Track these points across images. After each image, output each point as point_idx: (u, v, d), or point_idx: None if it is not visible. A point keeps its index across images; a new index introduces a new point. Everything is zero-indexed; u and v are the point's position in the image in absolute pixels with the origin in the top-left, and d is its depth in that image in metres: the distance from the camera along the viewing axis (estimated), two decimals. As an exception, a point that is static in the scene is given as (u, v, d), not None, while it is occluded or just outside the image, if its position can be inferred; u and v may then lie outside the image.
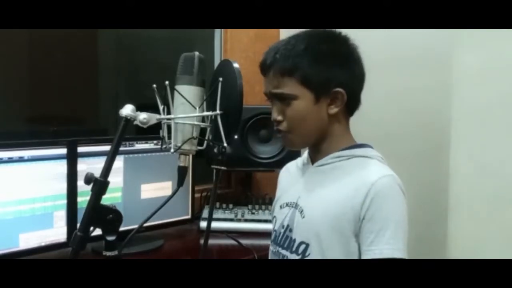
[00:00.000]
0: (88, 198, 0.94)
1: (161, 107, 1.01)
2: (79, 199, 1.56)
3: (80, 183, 1.55)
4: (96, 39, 2.12)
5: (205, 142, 1.04)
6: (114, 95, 2.25)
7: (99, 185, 0.94)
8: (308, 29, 1.20)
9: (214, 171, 1.05)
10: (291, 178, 1.30)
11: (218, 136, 1.02)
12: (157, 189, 1.76)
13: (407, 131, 1.62)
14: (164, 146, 1.02)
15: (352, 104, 1.19)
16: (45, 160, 1.50)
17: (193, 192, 1.89)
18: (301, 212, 1.18)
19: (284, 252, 1.20)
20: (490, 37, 1.32)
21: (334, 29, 1.21)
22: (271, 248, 1.28)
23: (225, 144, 1.01)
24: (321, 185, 1.18)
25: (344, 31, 1.20)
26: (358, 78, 1.20)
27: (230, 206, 1.97)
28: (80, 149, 1.57)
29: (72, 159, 1.55)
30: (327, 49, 1.16)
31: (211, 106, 1.04)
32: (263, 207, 1.95)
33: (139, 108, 1.00)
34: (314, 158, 1.23)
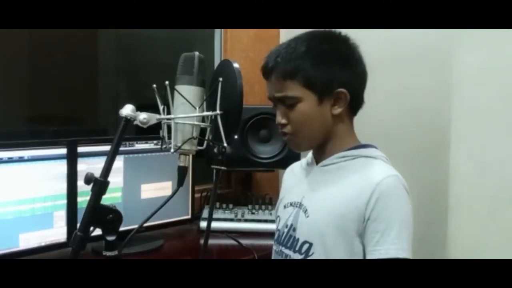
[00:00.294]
0: (88, 198, 0.94)
1: (161, 107, 1.01)
2: (79, 199, 1.56)
3: (80, 183, 1.55)
4: (96, 39, 2.12)
5: (205, 142, 1.04)
6: (114, 95, 2.25)
7: (99, 185, 0.94)
8: (308, 31, 1.20)
9: (214, 171, 1.05)
10: (295, 178, 1.30)
11: (218, 136, 1.02)
12: (157, 189, 1.76)
13: (407, 131, 1.62)
14: (164, 146, 1.02)
15: (355, 104, 1.19)
16: (45, 160, 1.50)
17: (193, 192, 1.89)
18: (305, 211, 1.18)
19: (287, 251, 1.21)
20: (490, 37, 1.32)
21: (334, 29, 1.21)
22: (274, 247, 1.29)
23: (225, 144, 1.01)
24: (325, 185, 1.18)
25: (344, 31, 1.20)
26: (360, 77, 1.20)
27: (230, 206, 1.97)
28: (80, 149, 1.57)
29: (72, 159, 1.55)
30: (328, 49, 1.16)
31: (211, 106, 1.04)
32: (263, 207, 1.96)
33: (139, 108, 1.00)
34: (318, 158, 1.23)
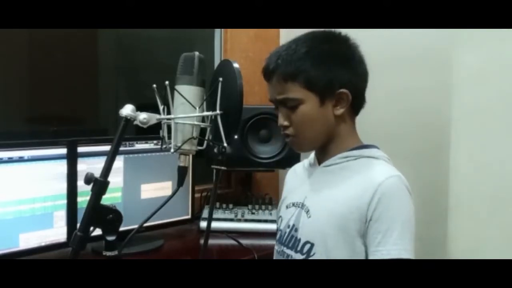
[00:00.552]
0: (88, 198, 0.94)
1: (161, 107, 1.01)
2: (79, 199, 1.56)
3: (80, 183, 1.55)
4: (96, 39, 2.12)
5: (205, 142, 1.04)
6: (114, 95, 2.25)
7: (99, 185, 0.94)
8: (308, 31, 1.20)
9: (214, 171, 1.05)
10: (298, 179, 1.30)
11: (218, 136, 1.02)
12: (157, 189, 1.76)
13: (407, 131, 1.62)
14: (164, 146, 1.02)
15: (357, 104, 1.19)
16: (45, 160, 1.50)
17: (193, 192, 1.89)
18: (307, 212, 1.18)
19: (288, 251, 1.21)
20: (490, 37, 1.32)
21: (334, 30, 1.21)
22: (276, 247, 1.29)
23: (225, 144, 1.01)
24: (328, 186, 1.18)
25: (344, 31, 1.20)
26: (362, 77, 1.20)
27: (230, 206, 1.97)
28: (80, 149, 1.57)
29: (72, 159, 1.55)
30: (328, 50, 1.16)
31: (211, 106, 1.04)
32: (263, 207, 1.96)
33: (139, 108, 1.00)
34: (321, 158, 1.23)
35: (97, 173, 0.95)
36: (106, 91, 2.19)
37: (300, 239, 1.18)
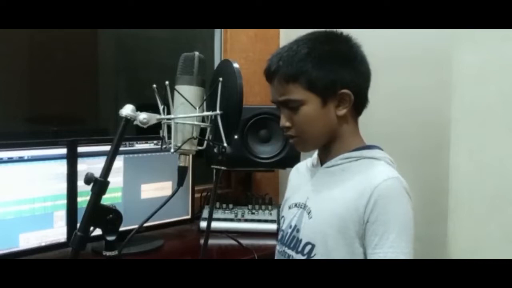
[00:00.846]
0: (88, 198, 0.94)
1: (161, 107, 1.01)
2: (79, 199, 1.56)
3: (80, 183, 1.55)
4: (96, 39, 2.12)
5: (205, 142, 1.04)
6: (114, 95, 2.25)
7: (99, 185, 0.94)
8: (309, 32, 1.20)
9: (214, 171, 1.05)
10: (301, 179, 1.30)
11: (218, 136, 1.02)
12: (157, 189, 1.75)
13: (407, 131, 1.62)
14: (164, 146, 1.02)
15: (359, 104, 1.19)
16: (45, 160, 1.50)
17: (193, 192, 1.89)
18: (309, 213, 1.19)
19: (290, 252, 1.21)
20: (490, 37, 1.32)
21: (335, 30, 1.20)
22: (277, 247, 1.29)
23: (225, 144, 1.01)
24: (328, 187, 1.18)
25: (344, 31, 1.20)
26: (364, 77, 1.19)
27: (230, 206, 1.97)
28: (80, 149, 1.57)
29: (72, 159, 1.55)
30: (330, 50, 1.15)
31: (211, 106, 1.04)
32: (263, 207, 1.95)
33: (139, 108, 1.00)
34: (323, 159, 1.23)
35: (97, 173, 0.95)
36: (106, 91, 2.19)
37: (301, 240, 1.18)
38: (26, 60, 1.94)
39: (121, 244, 0.99)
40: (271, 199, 2.02)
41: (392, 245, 1.05)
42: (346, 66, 1.15)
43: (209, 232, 1.11)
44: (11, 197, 1.44)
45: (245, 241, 1.76)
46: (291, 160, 1.89)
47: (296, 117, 1.15)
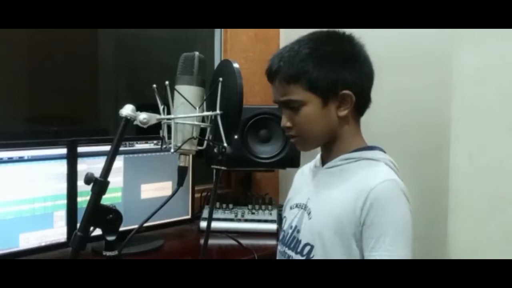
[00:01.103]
0: (88, 198, 0.94)
1: (161, 107, 1.01)
2: (79, 199, 1.56)
3: (80, 183, 1.55)
4: (96, 39, 2.13)
5: (205, 142, 1.04)
6: (114, 95, 2.25)
7: (99, 185, 0.94)
8: (311, 32, 1.19)
9: (214, 171, 1.05)
10: (304, 180, 1.30)
11: (218, 136, 1.02)
12: (157, 189, 1.75)
13: (407, 131, 1.62)
14: (164, 146, 1.02)
15: (361, 104, 1.18)
16: (45, 160, 1.50)
17: (193, 192, 1.89)
18: (309, 213, 1.19)
19: (289, 252, 1.21)
20: (490, 37, 1.31)
21: (337, 30, 1.19)
22: (278, 247, 1.29)
23: (225, 144, 1.01)
24: (328, 187, 1.18)
25: (346, 31, 1.20)
26: (367, 77, 1.18)
27: (230, 206, 1.97)
28: (80, 149, 1.57)
29: (72, 159, 1.55)
30: (331, 50, 1.15)
31: (211, 106, 1.04)
32: (263, 207, 1.95)
33: (139, 108, 1.00)
34: (324, 159, 1.23)
35: (97, 173, 0.95)
36: (106, 91, 2.20)
37: (301, 241, 1.18)
38: (26, 60, 1.94)
39: (121, 244, 0.99)
40: (271, 199, 2.02)
41: (388, 249, 1.05)
42: (348, 67, 1.14)
43: (209, 232, 1.11)
44: (11, 197, 1.44)
45: (245, 241, 1.76)
46: (291, 160, 1.89)
47: (297, 117, 1.15)
